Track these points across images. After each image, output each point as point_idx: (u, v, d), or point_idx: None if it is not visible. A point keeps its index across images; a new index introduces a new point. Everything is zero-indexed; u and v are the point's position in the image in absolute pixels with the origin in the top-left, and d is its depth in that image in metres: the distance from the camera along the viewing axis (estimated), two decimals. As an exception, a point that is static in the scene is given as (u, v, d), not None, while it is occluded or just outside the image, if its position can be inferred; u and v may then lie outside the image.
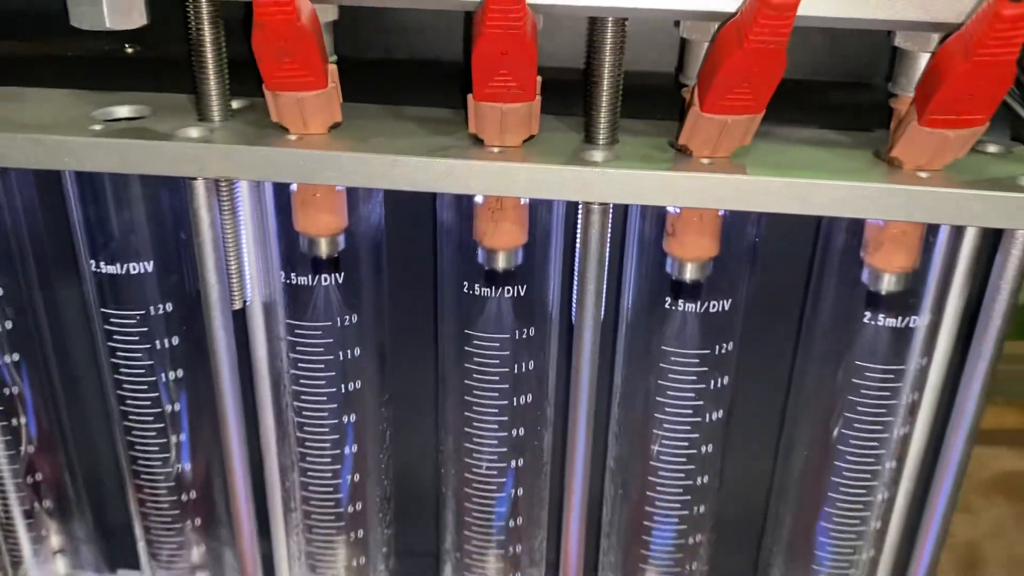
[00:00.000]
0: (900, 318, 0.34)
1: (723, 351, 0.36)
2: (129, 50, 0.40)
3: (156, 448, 0.39)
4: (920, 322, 0.34)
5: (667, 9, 0.29)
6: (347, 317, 0.36)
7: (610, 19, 0.30)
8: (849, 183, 0.30)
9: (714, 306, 0.35)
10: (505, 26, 0.26)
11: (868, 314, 0.34)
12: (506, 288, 0.35)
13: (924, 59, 0.30)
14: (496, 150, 0.31)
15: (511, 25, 0.26)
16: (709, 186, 0.30)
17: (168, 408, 0.38)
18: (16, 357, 0.39)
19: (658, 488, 0.38)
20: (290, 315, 0.36)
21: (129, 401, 0.38)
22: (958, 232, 0.33)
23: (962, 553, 0.92)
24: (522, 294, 0.36)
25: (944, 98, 0.27)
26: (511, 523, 0.40)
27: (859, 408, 0.35)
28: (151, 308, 0.36)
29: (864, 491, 0.37)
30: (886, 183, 0.30)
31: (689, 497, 0.38)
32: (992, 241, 0.32)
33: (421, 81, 0.37)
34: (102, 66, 0.39)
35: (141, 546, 0.43)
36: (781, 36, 0.26)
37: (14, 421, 0.40)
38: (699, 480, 0.38)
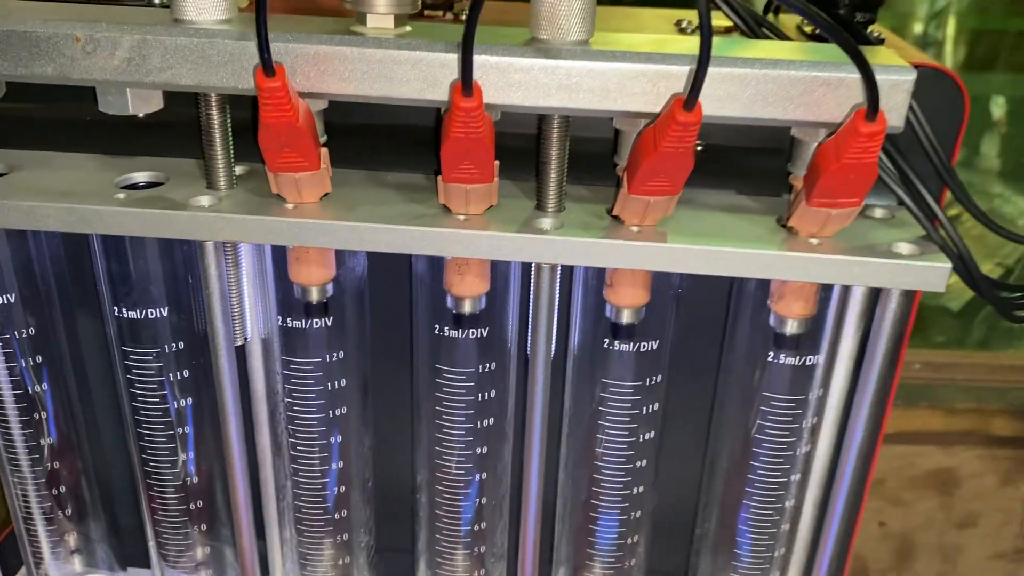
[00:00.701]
0: (800, 356, 0.40)
1: (653, 382, 0.41)
2: (141, 114, 0.45)
3: (168, 464, 0.44)
4: (818, 359, 0.40)
5: (602, 109, 0.34)
6: (334, 354, 0.41)
7: (556, 116, 0.35)
8: (751, 250, 0.35)
9: (645, 345, 0.41)
10: (467, 132, 0.32)
11: (773, 352, 0.40)
12: (471, 330, 0.41)
13: (814, 147, 0.36)
14: (462, 218, 0.36)
15: (472, 132, 0.32)
16: (636, 252, 0.35)
17: (179, 430, 0.43)
18: (45, 386, 0.44)
19: (600, 496, 0.44)
20: (285, 352, 0.41)
21: (144, 424, 0.43)
22: (848, 285, 0.39)
23: (896, 542, 0.99)
24: (484, 335, 0.41)
25: (823, 187, 0.33)
26: (476, 527, 0.45)
27: (768, 430, 0.41)
28: (165, 347, 0.41)
29: (775, 499, 0.43)
30: (782, 250, 0.35)
31: (627, 504, 0.44)
32: (877, 292, 0.38)
33: (400, 145, 0.42)
34: (117, 129, 0.43)
35: (151, 546, 0.48)
36: (688, 143, 0.32)
37: (41, 441, 0.45)
38: (635, 490, 0.44)
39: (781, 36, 0.40)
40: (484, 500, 0.45)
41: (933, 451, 0.92)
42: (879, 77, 0.32)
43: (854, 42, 0.28)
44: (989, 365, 0.95)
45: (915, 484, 0.95)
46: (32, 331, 0.42)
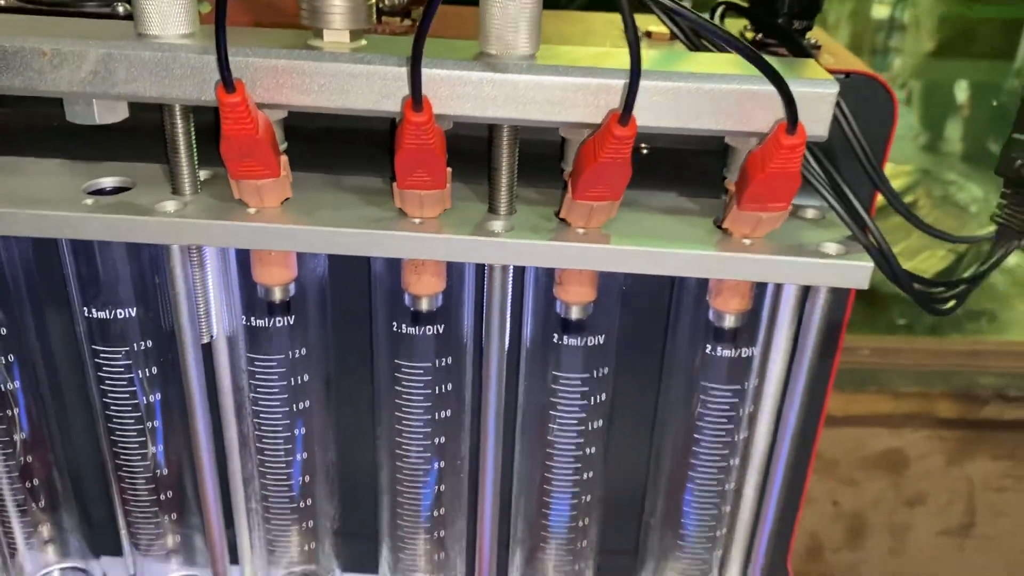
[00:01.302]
0: (737, 348, 0.43)
1: (601, 374, 0.44)
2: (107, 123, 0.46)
3: (138, 457, 0.46)
4: (754, 351, 0.43)
5: (547, 120, 0.36)
6: (297, 350, 0.43)
7: (505, 126, 0.37)
8: (688, 251, 0.38)
9: (593, 339, 0.43)
10: (419, 144, 0.34)
11: (712, 345, 0.42)
12: (428, 326, 0.42)
13: (746, 153, 0.38)
14: (418, 221, 0.38)
15: (424, 143, 0.34)
16: (582, 253, 0.37)
17: (148, 424, 0.45)
18: (16, 384, 0.45)
19: (553, 482, 0.46)
20: (250, 349, 0.43)
21: (115, 419, 0.45)
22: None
23: (849, 521, 1.03)
24: (441, 331, 0.43)
25: (751, 193, 0.36)
26: (435, 512, 0.48)
27: (708, 418, 0.44)
28: (134, 345, 0.43)
29: (717, 482, 0.46)
30: (716, 251, 0.37)
31: (579, 488, 0.46)
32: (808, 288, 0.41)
33: (359, 148, 0.44)
34: (84, 134, 0.44)
35: (123, 535, 0.49)
36: (624, 154, 0.34)
37: (14, 436, 0.46)
38: (586, 475, 0.46)
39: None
40: (443, 487, 0.47)
41: (882, 433, 0.96)
42: (803, 90, 0.34)
43: (771, 66, 0.31)
44: (933, 351, 0.98)
45: (866, 464, 0.98)
46: (3, 331, 0.44)
